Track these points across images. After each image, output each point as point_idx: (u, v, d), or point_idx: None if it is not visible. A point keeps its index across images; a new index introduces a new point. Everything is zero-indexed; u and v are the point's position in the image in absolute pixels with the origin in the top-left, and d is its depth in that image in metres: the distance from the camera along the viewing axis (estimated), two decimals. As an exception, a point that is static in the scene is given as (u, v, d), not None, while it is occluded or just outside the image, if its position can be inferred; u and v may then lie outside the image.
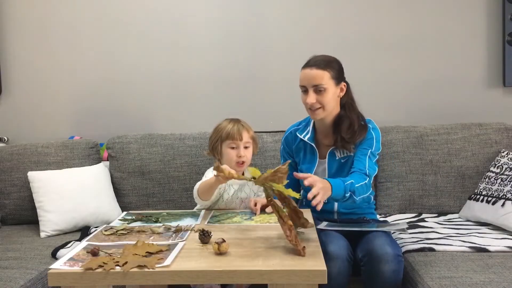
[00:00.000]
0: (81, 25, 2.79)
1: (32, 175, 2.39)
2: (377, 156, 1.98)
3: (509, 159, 2.30)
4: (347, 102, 1.97)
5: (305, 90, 1.93)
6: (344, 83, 1.96)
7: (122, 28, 2.78)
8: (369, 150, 1.94)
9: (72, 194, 2.34)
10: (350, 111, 1.96)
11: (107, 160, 2.63)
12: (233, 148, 2.03)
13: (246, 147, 2.04)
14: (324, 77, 1.88)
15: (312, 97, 1.89)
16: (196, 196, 1.98)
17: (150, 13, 2.77)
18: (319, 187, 1.63)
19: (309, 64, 1.92)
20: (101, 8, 2.78)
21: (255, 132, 2.55)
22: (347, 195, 1.77)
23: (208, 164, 2.23)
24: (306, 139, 2.03)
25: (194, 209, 2.12)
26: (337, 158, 1.99)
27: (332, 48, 2.70)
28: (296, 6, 2.73)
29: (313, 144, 2.02)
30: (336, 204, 2.02)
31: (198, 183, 2.00)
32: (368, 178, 1.87)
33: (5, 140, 2.83)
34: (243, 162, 2.03)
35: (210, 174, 2.02)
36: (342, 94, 1.96)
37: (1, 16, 2.80)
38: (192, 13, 2.76)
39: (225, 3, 2.75)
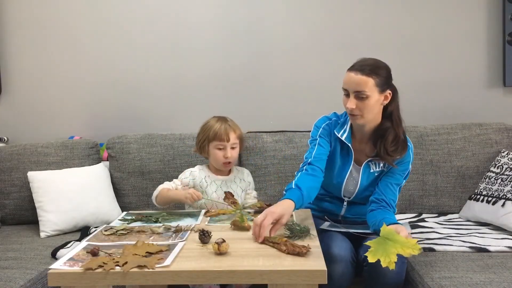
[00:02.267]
0: (81, 26, 2.79)
1: (32, 175, 2.39)
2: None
3: (509, 159, 2.30)
4: (394, 113, 1.85)
5: (347, 94, 1.81)
6: (390, 91, 1.82)
7: (122, 28, 2.78)
8: (403, 181, 1.89)
9: (72, 194, 2.34)
10: (396, 124, 1.84)
11: (107, 160, 2.63)
12: (220, 149, 2.07)
13: (233, 148, 2.09)
14: (368, 84, 1.75)
15: (352, 103, 1.77)
16: (154, 199, 2.06)
17: (150, 14, 2.77)
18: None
19: (354, 68, 1.79)
20: (101, 9, 2.77)
21: (255, 132, 2.57)
22: None
23: (206, 163, 2.24)
24: (343, 138, 1.90)
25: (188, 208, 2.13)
26: (371, 171, 1.91)
27: (332, 49, 2.72)
28: (296, 7, 2.73)
29: (350, 145, 1.89)
30: (343, 209, 1.98)
31: (161, 187, 2.07)
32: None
33: (5, 140, 2.83)
34: (229, 162, 2.09)
35: (186, 174, 2.12)
36: (386, 102, 1.82)
37: (1, 16, 2.80)
38: (192, 14, 2.76)
39: (225, 4, 2.75)
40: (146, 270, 1.33)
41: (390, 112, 1.85)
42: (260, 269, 1.33)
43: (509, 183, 2.17)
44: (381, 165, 1.90)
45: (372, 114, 1.81)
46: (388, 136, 1.83)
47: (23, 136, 2.82)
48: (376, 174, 1.90)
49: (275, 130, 2.63)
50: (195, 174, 2.12)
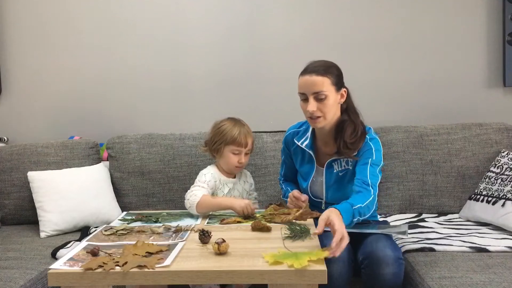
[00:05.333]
0: (80, 25, 2.79)
1: (32, 175, 2.39)
2: (379, 166, 1.86)
3: (509, 159, 2.30)
4: (349, 107, 1.90)
5: (304, 98, 1.84)
6: (345, 89, 1.87)
7: (122, 27, 2.78)
8: (370, 159, 1.86)
9: (72, 194, 2.34)
10: (354, 116, 1.88)
11: (107, 160, 2.63)
12: (235, 154, 2.07)
13: (246, 154, 2.11)
14: (325, 84, 1.79)
15: (313, 105, 1.80)
16: (194, 207, 1.94)
17: (150, 13, 2.77)
18: (340, 232, 1.50)
19: (307, 71, 1.83)
20: (101, 8, 2.78)
21: (255, 132, 2.56)
22: (355, 220, 1.70)
23: (208, 164, 2.24)
24: (303, 146, 1.97)
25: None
26: (335, 171, 1.93)
27: (332, 47, 2.72)
28: (296, 5, 2.73)
29: (311, 152, 1.96)
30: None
31: (199, 193, 1.96)
32: (372, 191, 1.77)
33: (5, 140, 2.83)
34: (241, 167, 2.11)
35: (208, 177, 2.07)
36: (342, 100, 1.87)
37: (1, 16, 2.80)
38: (192, 13, 2.76)
39: (225, 3, 2.75)
40: (146, 270, 1.33)
41: (345, 108, 1.90)
42: (260, 269, 1.33)
43: (509, 183, 2.17)
44: (343, 163, 1.92)
45: (332, 114, 1.85)
46: (347, 129, 1.86)
47: (23, 136, 2.82)
48: (340, 174, 1.92)
49: (275, 130, 2.63)
50: (216, 176, 2.10)
